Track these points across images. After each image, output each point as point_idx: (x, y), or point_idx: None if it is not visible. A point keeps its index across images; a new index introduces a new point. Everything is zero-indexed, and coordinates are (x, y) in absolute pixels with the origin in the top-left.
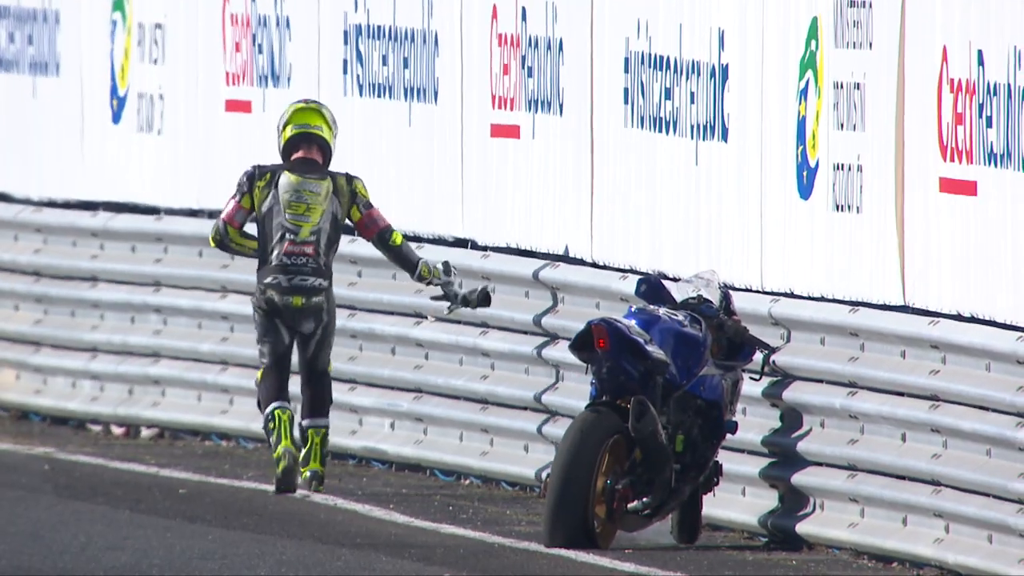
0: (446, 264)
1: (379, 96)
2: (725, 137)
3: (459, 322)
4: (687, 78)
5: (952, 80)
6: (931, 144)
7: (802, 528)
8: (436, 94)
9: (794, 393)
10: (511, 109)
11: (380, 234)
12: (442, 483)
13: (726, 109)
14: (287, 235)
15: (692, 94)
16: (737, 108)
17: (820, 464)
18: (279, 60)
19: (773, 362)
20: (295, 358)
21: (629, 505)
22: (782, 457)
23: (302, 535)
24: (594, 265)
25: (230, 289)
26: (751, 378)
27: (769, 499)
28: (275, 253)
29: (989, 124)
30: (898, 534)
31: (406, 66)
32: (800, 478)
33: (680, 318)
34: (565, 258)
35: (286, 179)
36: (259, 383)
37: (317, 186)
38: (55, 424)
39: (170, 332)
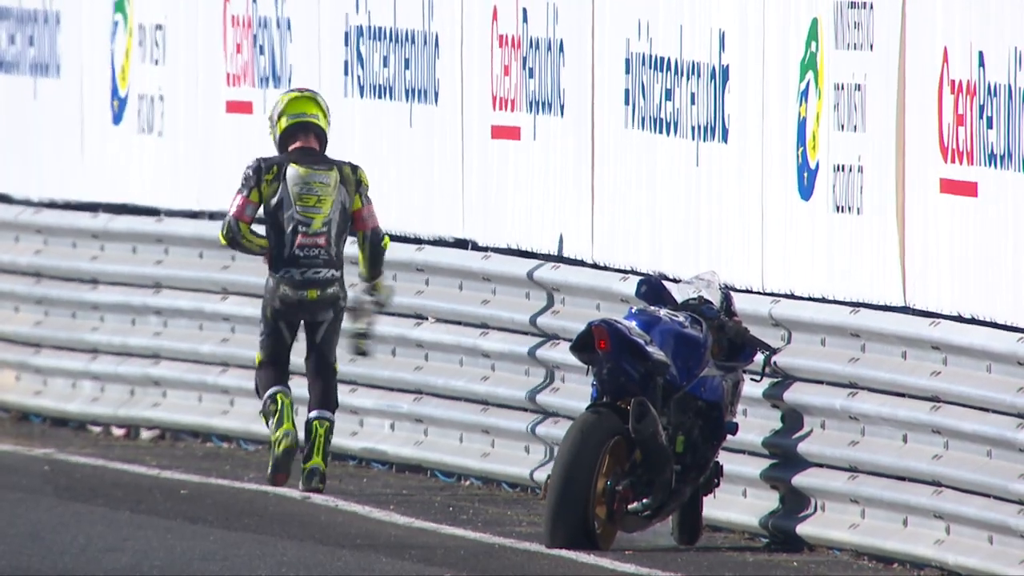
0: (390, 292)
1: (380, 97)
2: (726, 138)
3: (460, 323)
4: (688, 79)
5: (953, 81)
6: (932, 145)
7: (803, 529)
8: (437, 95)
9: (795, 394)
10: (512, 110)
11: (375, 231)
12: (442, 484)
13: (727, 110)
14: (299, 227)
15: (693, 95)
16: (738, 109)
17: (821, 465)
18: (280, 61)
19: (774, 363)
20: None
21: (629, 506)
22: (783, 458)
23: (303, 536)
24: (595, 266)
25: (231, 291)
26: (752, 379)
27: (770, 500)
28: (288, 246)
29: (990, 125)
30: (899, 535)
31: (407, 67)
32: (801, 479)
33: (681, 319)
34: (565, 259)
35: (294, 171)
36: (258, 370)
37: (326, 177)
38: (55, 425)
39: (170, 333)
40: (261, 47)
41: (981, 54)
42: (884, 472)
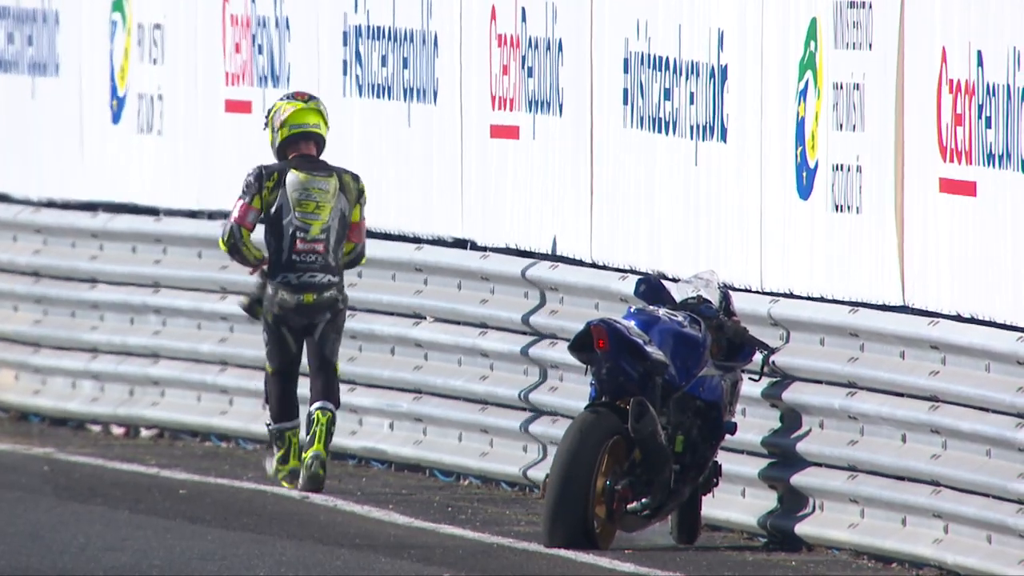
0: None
1: (379, 97)
2: (724, 138)
3: (458, 323)
4: (686, 79)
5: (951, 81)
6: (930, 145)
7: (801, 529)
8: (436, 95)
9: (793, 394)
10: (511, 110)
11: (360, 248)
12: (441, 483)
13: (725, 110)
14: (298, 233)
15: (691, 95)
16: (736, 109)
17: (819, 465)
18: (279, 60)
19: (772, 363)
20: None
21: (628, 506)
22: (781, 458)
23: (302, 536)
24: (593, 265)
25: (229, 290)
26: (750, 379)
27: (768, 500)
28: (286, 252)
29: (988, 125)
30: (897, 534)
31: (405, 67)
32: (799, 479)
33: (680, 319)
34: (564, 258)
35: (294, 177)
36: (267, 379)
37: (325, 183)
38: (55, 425)
39: (169, 333)
40: (260, 46)
41: (980, 54)
42: (883, 472)
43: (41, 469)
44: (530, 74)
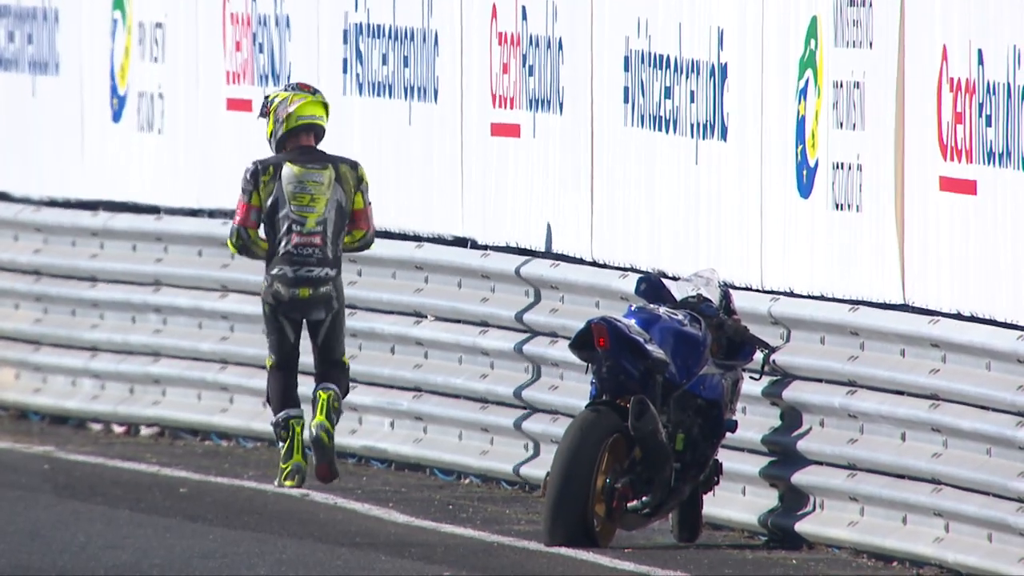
0: None
1: (379, 95)
2: (725, 136)
3: (459, 321)
4: (687, 77)
5: (952, 79)
6: (931, 143)
7: (802, 527)
8: (436, 93)
9: (794, 392)
10: (511, 108)
11: (370, 234)
12: (442, 482)
13: (726, 108)
14: (294, 226)
15: (692, 93)
16: (737, 107)
17: (820, 463)
18: (279, 59)
19: (773, 361)
20: (306, 355)
21: (629, 504)
22: (782, 456)
23: (302, 534)
24: (594, 264)
25: (230, 288)
26: (751, 377)
27: (769, 498)
28: (283, 245)
29: (989, 123)
30: (898, 533)
31: (406, 65)
32: (800, 477)
33: (680, 317)
34: (563, 256)
35: (288, 170)
36: (269, 375)
37: (320, 175)
38: (55, 423)
39: (170, 331)
40: (260, 45)
41: (980, 52)
42: (883, 470)
43: (41, 467)
44: (531, 72)
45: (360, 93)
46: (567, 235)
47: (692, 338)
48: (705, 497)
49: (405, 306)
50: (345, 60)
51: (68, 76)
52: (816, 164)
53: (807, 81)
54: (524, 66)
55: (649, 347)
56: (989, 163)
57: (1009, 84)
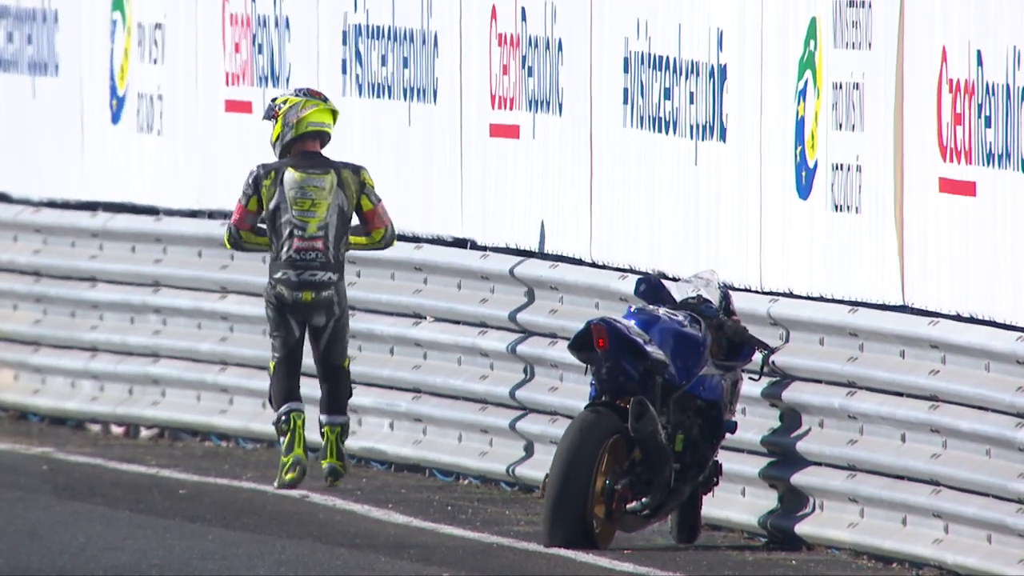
0: None
1: (378, 96)
2: (724, 137)
3: (458, 322)
4: (686, 78)
5: (951, 80)
6: (930, 144)
7: (801, 528)
8: (435, 94)
9: (793, 393)
10: (510, 109)
11: (389, 232)
12: (441, 483)
13: (725, 109)
14: (295, 231)
15: (691, 94)
16: (736, 108)
17: (819, 464)
18: (279, 60)
19: (772, 362)
20: (307, 357)
21: (628, 505)
22: (781, 457)
23: (301, 535)
24: (593, 265)
25: (229, 289)
26: (750, 378)
27: (768, 499)
28: (285, 249)
29: (988, 124)
30: (897, 534)
31: (405, 66)
32: (799, 478)
33: (680, 318)
34: (561, 257)
35: (290, 175)
36: (271, 375)
37: (321, 180)
38: (54, 424)
39: (169, 332)
40: (260, 46)
41: (979, 53)
42: (883, 471)
43: (40, 468)
44: (530, 73)
45: (359, 94)
46: (566, 236)
47: (692, 339)
48: (705, 498)
49: (404, 307)
50: (344, 61)
51: (68, 77)
52: (815, 165)
53: (806, 82)
54: (523, 67)
55: (649, 348)
56: (988, 164)
57: (1008, 85)
